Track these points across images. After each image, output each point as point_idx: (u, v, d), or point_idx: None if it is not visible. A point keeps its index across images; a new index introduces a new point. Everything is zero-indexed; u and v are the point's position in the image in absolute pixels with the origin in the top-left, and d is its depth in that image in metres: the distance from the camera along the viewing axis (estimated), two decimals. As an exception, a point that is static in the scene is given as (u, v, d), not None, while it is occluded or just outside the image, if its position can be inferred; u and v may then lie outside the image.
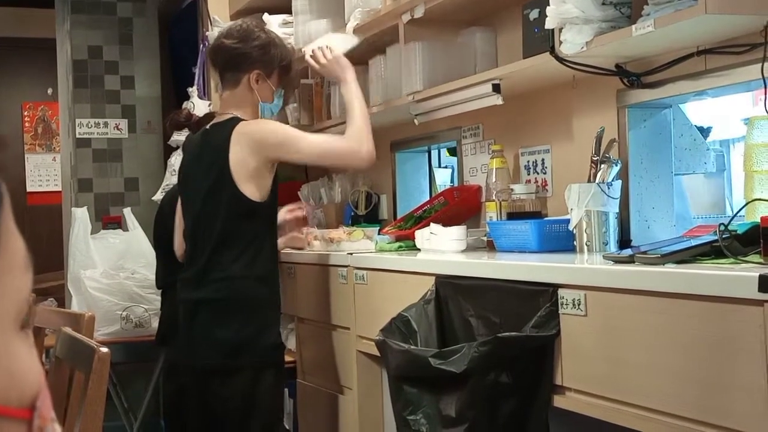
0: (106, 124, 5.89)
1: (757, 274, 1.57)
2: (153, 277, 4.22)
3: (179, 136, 4.92)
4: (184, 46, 5.67)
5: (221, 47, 3.03)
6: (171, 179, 4.90)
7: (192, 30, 5.46)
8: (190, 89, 5.07)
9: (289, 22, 4.38)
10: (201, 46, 5.17)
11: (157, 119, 6.03)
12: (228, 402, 2.91)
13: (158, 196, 4.96)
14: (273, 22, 4.47)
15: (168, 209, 3.70)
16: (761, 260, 1.77)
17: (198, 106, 4.95)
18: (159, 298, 4.20)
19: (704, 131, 2.77)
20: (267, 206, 2.95)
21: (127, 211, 4.90)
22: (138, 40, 6.07)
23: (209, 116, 3.80)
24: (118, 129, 5.93)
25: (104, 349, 1.74)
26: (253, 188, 2.88)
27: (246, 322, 2.90)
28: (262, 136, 2.89)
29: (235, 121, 2.92)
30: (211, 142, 2.96)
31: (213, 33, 4.98)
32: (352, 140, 2.99)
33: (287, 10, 4.36)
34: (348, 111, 3.10)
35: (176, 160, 4.93)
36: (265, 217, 2.96)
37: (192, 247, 3.03)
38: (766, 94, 2.14)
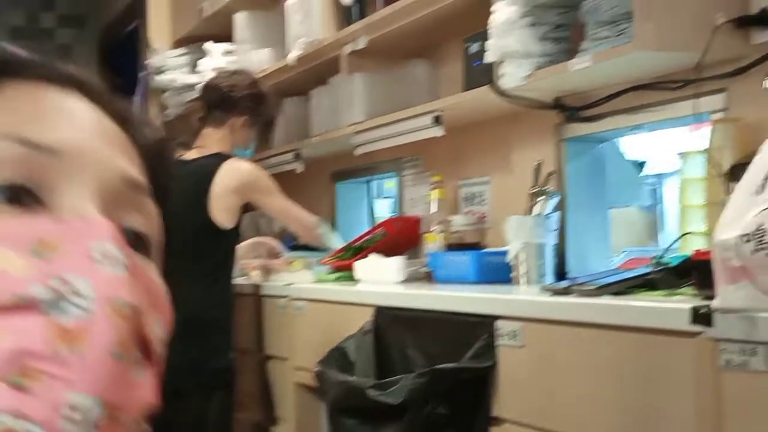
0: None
1: (690, 306, 1.60)
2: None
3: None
4: (125, 74, 5.62)
5: (217, 86, 3.19)
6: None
7: (133, 58, 5.42)
8: (129, 117, 5.03)
9: (232, 51, 4.37)
10: (141, 74, 5.13)
11: (95, 147, 5.95)
12: (181, 426, 2.92)
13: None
14: (215, 51, 4.46)
15: None
16: (694, 292, 1.80)
17: (137, 134, 4.91)
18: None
19: (639, 165, 2.81)
20: (232, 234, 3.06)
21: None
22: (77, 67, 6.00)
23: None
24: (55, 156, 5.85)
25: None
26: (223, 216, 3.01)
27: (198, 343, 2.93)
28: (252, 179, 3.07)
29: (224, 156, 3.07)
30: (194, 171, 3.05)
31: (154, 61, 4.95)
32: (315, 222, 3.27)
33: (229, 39, 4.35)
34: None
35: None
36: (228, 244, 3.08)
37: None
38: (698, 129, 2.18)
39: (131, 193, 0.59)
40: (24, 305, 0.49)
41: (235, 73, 3.29)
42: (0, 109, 0.56)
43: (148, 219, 0.60)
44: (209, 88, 3.24)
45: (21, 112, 0.56)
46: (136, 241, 0.59)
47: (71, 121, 0.58)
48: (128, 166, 0.59)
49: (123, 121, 0.62)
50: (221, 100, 3.15)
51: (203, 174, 3.04)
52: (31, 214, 0.53)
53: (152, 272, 0.59)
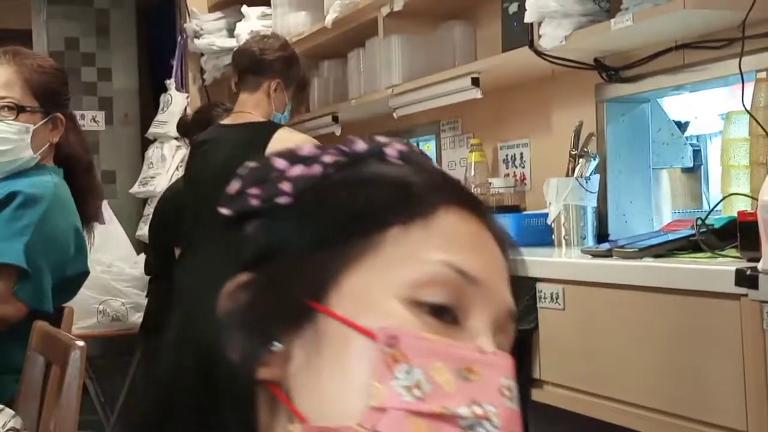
0: (82, 117, 5.83)
1: (734, 269, 1.58)
2: (130, 270, 4.20)
3: (156, 129, 4.89)
4: (162, 38, 5.64)
5: (248, 50, 3.18)
6: (148, 172, 4.87)
7: (170, 22, 5.43)
8: (167, 81, 5.05)
9: (268, 15, 4.36)
10: (179, 38, 5.14)
11: (134, 111, 5.98)
12: None
13: (136, 188, 4.93)
14: (251, 15, 4.45)
15: (172, 204, 3.67)
16: (738, 254, 1.78)
17: (175, 99, 4.93)
18: (136, 291, 4.18)
19: (682, 126, 2.78)
20: None
21: (104, 204, 4.86)
22: (115, 31, 6.02)
23: (209, 109, 3.81)
24: (94, 121, 5.88)
25: (80, 343, 1.73)
26: None
27: None
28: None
29: (275, 125, 3.08)
30: (244, 136, 3.06)
31: (191, 25, 4.95)
32: None
33: (266, 2, 4.34)
34: None
35: (153, 152, 4.90)
36: None
37: (195, 230, 3.06)
38: (743, 88, 2.15)
39: (508, 321, 0.70)
40: (448, 417, 0.61)
41: (265, 36, 3.29)
42: (434, 231, 0.67)
43: (509, 338, 0.70)
44: (241, 53, 3.24)
45: (452, 239, 0.67)
46: None
47: (485, 253, 0.69)
48: (509, 296, 0.70)
49: (502, 246, 0.72)
50: (253, 64, 3.15)
51: (256, 140, 3.02)
52: (452, 332, 0.65)
53: None
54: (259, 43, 3.19)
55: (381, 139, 0.74)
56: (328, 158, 0.72)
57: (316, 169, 0.71)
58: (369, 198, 0.69)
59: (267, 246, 0.68)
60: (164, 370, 0.71)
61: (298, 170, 0.71)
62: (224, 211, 0.72)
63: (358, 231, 0.67)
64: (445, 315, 0.65)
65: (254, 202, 0.71)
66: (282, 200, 0.70)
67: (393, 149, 0.74)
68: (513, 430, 0.63)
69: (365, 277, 0.66)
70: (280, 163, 0.72)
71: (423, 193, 0.69)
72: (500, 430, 0.62)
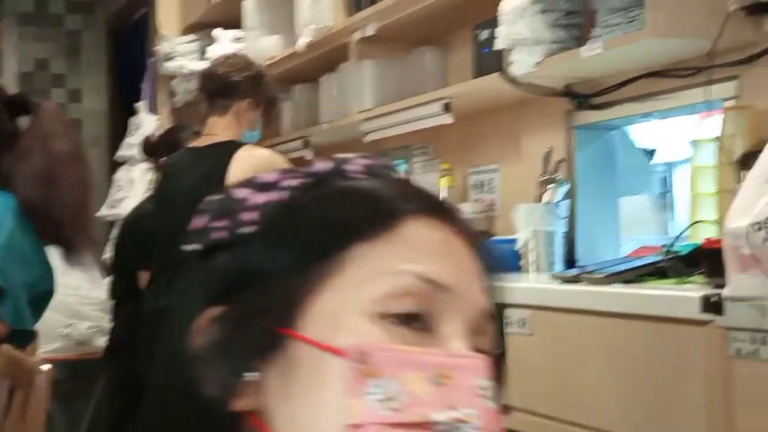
0: (51, 138, 5.81)
1: (700, 295, 1.59)
2: (96, 293, 4.16)
3: (125, 151, 4.87)
4: (133, 61, 5.63)
5: (215, 74, 3.17)
6: (117, 194, 4.84)
7: (141, 44, 5.42)
8: (137, 104, 5.03)
9: (241, 38, 4.37)
10: (149, 60, 5.13)
11: (104, 133, 5.96)
12: None
13: (103, 211, 4.89)
14: (223, 38, 4.45)
15: (137, 227, 3.64)
16: (704, 281, 1.79)
17: (146, 121, 4.91)
18: (102, 315, 4.14)
19: (650, 153, 2.80)
20: None
21: (72, 226, 4.82)
22: (86, 53, 6.00)
23: (176, 131, 3.79)
24: (64, 143, 5.85)
25: (46, 367, 1.71)
26: None
27: None
28: (269, 162, 3.03)
29: (237, 144, 3.05)
30: (208, 158, 3.05)
31: (163, 47, 4.95)
32: None
33: (238, 26, 4.35)
34: None
35: (122, 175, 4.87)
36: None
37: (166, 254, 3.04)
38: (711, 116, 2.17)
39: (484, 322, 0.70)
40: (426, 425, 0.61)
41: (228, 57, 3.27)
42: (400, 243, 0.67)
43: (488, 337, 0.71)
44: (207, 77, 3.22)
45: (418, 248, 0.67)
46: None
47: (454, 259, 0.69)
48: (484, 297, 0.71)
49: (473, 245, 0.72)
50: (222, 87, 3.13)
51: (218, 161, 3.02)
52: (424, 339, 0.65)
53: None
54: (224, 65, 3.17)
55: (343, 156, 0.74)
56: (294, 182, 0.71)
57: (283, 194, 0.71)
58: (332, 217, 0.68)
59: (237, 276, 0.68)
60: (154, 412, 0.73)
61: (262, 197, 0.71)
62: (191, 246, 0.72)
63: (320, 252, 0.67)
64: (415, 323, 0.65)
65: (221, 234, 0.71)
66: (247, 229, 0.70)
67: (356, 165, 0.73)
68: (493, 428, 0.64)
69: (332, 297, 0.66)
70: (242, 192, 0.71)
71: (387, 205, 0.68)
72: (482, 430, 0.63)
